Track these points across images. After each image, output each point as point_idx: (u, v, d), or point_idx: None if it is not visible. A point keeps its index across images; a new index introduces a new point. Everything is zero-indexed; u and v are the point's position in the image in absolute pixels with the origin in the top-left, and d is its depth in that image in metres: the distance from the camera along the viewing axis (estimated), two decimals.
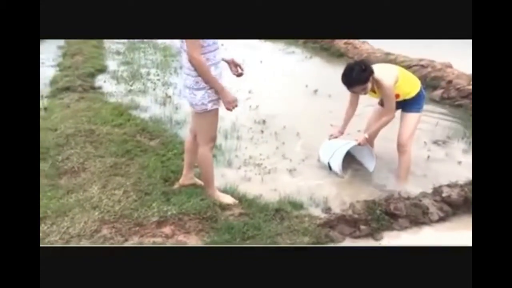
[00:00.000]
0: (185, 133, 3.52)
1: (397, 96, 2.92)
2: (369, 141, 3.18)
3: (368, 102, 3.41)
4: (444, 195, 2.70)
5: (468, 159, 3.43)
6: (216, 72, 2.31)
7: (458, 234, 2.56)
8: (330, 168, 3.24)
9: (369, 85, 2.82)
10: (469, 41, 1.70)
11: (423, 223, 2.61)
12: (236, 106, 2.36)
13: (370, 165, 3.28)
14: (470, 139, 3.70)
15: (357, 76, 2.78)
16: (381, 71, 2.86)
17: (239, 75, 2.59)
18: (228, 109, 2.34)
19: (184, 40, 2.21)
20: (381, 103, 3.12)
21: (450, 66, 5.04)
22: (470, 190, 2.71)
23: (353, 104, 3.19)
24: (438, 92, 4.56)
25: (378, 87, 2.88)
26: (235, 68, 2.58)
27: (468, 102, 4.36)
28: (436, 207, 2.64)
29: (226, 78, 2.65)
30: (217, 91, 2.30)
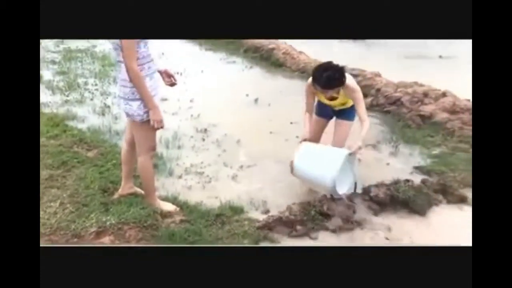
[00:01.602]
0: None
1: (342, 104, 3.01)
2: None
3: None
4: (372, 194, 2.93)
5: (394, 161, 3.73)
6: (151, 83, 2.35)
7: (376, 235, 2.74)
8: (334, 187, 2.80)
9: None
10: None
11: (353, 222, 2.81)
12: (162, 127, 2.42)
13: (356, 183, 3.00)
14: (398, 143, 4.02)
15: (340, 74, 2.73)
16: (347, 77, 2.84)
17: (172, 85, 2.65)
18: (154, 127, 2.39)
19: (120, 51, 2.23)
20: (334, 114, 3.16)
21: (379, 75, 5.42)
22: (395, 189, 2.97)
23: (309, 105, 3.10)
24: (368, 100, 4.88)
25: (347, 92, 2.86)
26: (168, 78, 2.63)
27: (395, 108, 4.72)
28: (364, 206, 2.86)
29: (164, 88, 2.71)
30: (149, 107, 2.33)
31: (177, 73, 6.10)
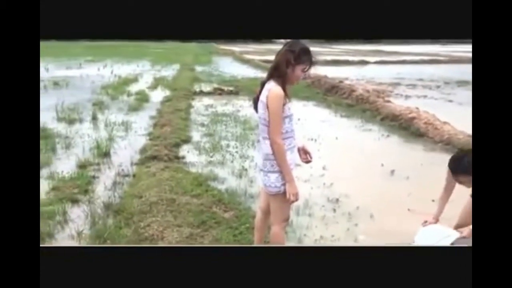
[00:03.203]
0: (257, 207, 3.61)
1: None
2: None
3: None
4: None
5: None
6: (290, 157, 2.41)
7: None
8: None
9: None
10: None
11: None
12: (297, 199, 2.43)
13: None
14: None
15: (466, 167, 2.62)
16: None
17: (307, 162, 2.66)
18: (289, 200, 2.40)
19: (265, 127, 2.34)
20: None
21: None
22: None
23: (448, 191, 3.02)
24: None
25: None
26: (305, 155, 2.65)
27: None
28: None
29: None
30: (286, 179, 2.37)
31: (312, 139, 6.23)
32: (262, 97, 2.34)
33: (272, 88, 2.28)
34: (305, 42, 2.42)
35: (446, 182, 2.99)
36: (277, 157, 2.33)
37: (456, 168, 2.74)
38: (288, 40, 2.41)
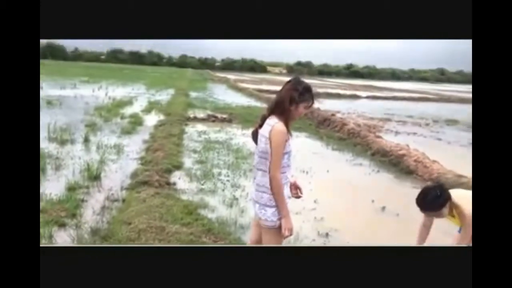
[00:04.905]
0: (247, 238, 3.58)
1: None
2: None
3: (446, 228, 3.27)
4: None
5: None
6: (286, 191, 2.43)
7: None
8: None
9: (445, 211, 2.77)
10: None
11: None
12: (292, 235, 2.44)
13: None
14: None
15: (431, 203, 2.76)
16: (462, 198, 2.78)
17: (298, 197, 2.66)
18: (284, 234, 2.40)
19: (265, 160, 2.36)
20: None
21: None
22: None
23: (427, 227, 3.06)
24: None
25: (458, 214, 2.79)
26: (295, 190, 2.65)
27: None
28: None
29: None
30: (282, 214, 2.37)
31: (304, 171, 6.25)
32: (263, 132, 2.37)
33: (276, 125, 2.32)
34: (305, 79, 2.48)
35: (423, 218, 3.03)
36: (275, 192, 2.35)
37: (421, 205, 2.81)
38: (291, 78, 2.47)
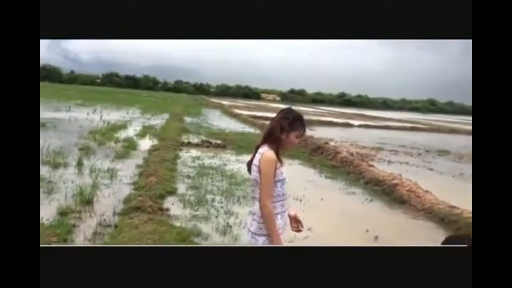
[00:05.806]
0: None
1: None
2: None
3: None
4: None
5: None
6: (280, 221, 2.43)
7: None
8: None
9: None
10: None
11: None
12: None
13: None
14: None
15: None
16: None
17: (298, 231, 2.65)
18: None
19: (256, 188, 2.40)
20: None
21: None
22: None
23: None
24: None
25: None
26: (296, 224, 2.63)
27: None
28: None
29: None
30: (274, 243, 2.36)
31: (297, 199, 6.26)
32: (255, 160, 2.41)
33: (265, 153, 2.36)
34: (297, 109, 2.55)
35: None
36: (266, 221, 2.36)
37: None
38: (283, 108, 2.54)
